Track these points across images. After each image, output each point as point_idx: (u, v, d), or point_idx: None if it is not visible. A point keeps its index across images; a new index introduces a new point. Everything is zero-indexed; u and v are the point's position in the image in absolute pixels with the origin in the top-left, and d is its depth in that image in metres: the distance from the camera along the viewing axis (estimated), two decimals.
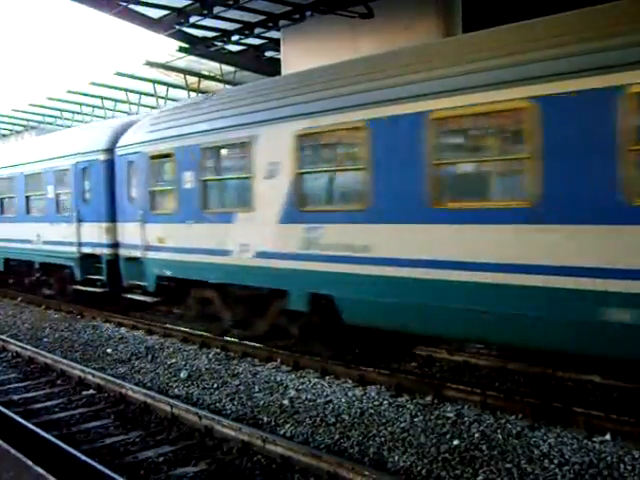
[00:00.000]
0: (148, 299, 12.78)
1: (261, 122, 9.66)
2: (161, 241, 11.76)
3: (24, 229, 16.75)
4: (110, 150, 13.55)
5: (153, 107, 25.25)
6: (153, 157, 11.94)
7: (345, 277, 8.47)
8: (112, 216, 13.44)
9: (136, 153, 12.43)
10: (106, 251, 13.60)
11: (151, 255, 12.06)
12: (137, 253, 12.44)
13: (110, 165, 13.51)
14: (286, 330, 10.17)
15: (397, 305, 7.96)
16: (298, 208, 9.12)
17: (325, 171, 9.09)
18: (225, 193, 10.95)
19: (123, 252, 13.08)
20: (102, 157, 13.76)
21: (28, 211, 16.85)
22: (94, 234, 13.91)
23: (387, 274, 7.99)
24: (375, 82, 8.23)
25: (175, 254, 11.45)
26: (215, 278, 10.69)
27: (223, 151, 10.81)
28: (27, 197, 16.81)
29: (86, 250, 14.24)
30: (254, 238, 9.80)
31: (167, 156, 11.59)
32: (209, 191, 10.79)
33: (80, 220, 14.35)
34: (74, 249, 14.54)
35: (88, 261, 14.21)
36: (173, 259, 11.52)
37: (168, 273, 11.71)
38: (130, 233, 12.67)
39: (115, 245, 13.40)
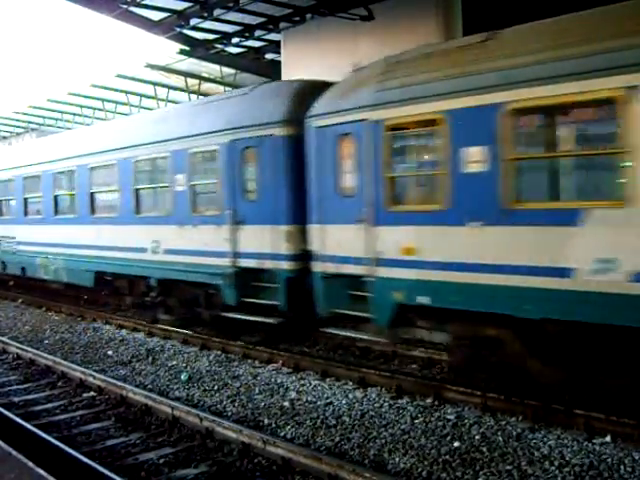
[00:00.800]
0: (374, 338, 9.16)
1: None
2: (409, 252, 8.02)
3: (131, 233, 12.73)
4: (295, 121, 9.71)
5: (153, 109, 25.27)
6: (394, 127, 8.17)
7: None
8: (297, 215, 9.68)
9: (355, 122, 8.58)
10: (286, 265, 9.74)
11: (387, 272, 8.26)
12: (355, 269, 8.68)
13: (295, 142, 9.69)
14: None
15: None
16: None
17: None
18: (560, 179, 7.25)
19: (323, 267, 9.18)
20: (281, 131, 9.81)
21: (138, 210, 12.60)
22: (264, 241, 10.01)
23: None
24: None
25: (443, 272, 7.65)
26: (534, 311, 6.90)
27: (559, 113, 7.07)
28: (137, 190, 12.63)
29: (246, 263, 10.33)
30: (630, 249, 6.24)
31: (427, 124, 7.89)
32: (524, 177, 7.11)
33: (238, 222, 10.36)
34: (225, 261, 10.57)
35: (247, 278, 10.46)
36: (438, 280, 7.72)
37: (423, 300, 7.88)
38: (339, 239, 8.92)
39: (302, 256, 9.63)
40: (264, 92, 10.80)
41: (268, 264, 10.02)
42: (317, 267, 9.31)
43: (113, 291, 14.21)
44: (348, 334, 9.67)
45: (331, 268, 9.09)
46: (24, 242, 16.85)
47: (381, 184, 8.30)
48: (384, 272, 8.31)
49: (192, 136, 11.31)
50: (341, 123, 8.83)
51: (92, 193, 13.99)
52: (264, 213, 10.05)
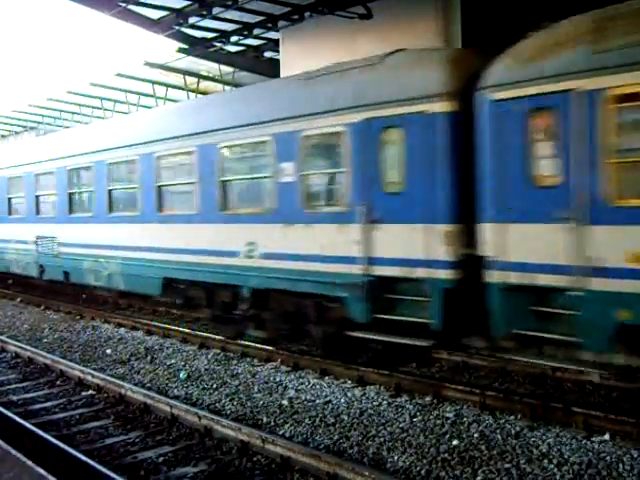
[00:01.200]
0: (581, 368, 7.73)
1: None
2: None
3: (216, 234, 10.68)
4: (456, 94, 7.85)
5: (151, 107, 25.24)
6: (622, 98, 6.41)
7: None
8: (460, 211, 7.85)
9: (557, 93, 6.83)
10: (444, 273, 7.83)
11: (607, 285, 6.53)
12: (555, 279, 6.92)
13: (456, 120, 7.83)
14: None
15: None
16: None
17: None
18: None
19: (502, 276, 7.33)
20: (437, 107, 7.87)
21: (225, 206, 10.48)
22: (413, 243, 8.08)
23: None
24: None
25: None
26: None
27: None
28: (223, 183, 10.48)
29: (385, 271, 8.38)
30: None
31: None
32: None
33: (374, 220, 8.42)
34: (353, 268, 8.63)
35: (381, 289, 8.50)
36: None
37: None
38: (530, 242, 7.10)
39: (462, 263, 7.84)
40: (404, 61, 8.73)
41: (419, 272, 8.04)
42: (493, 277, 7.41)
43: (185, 301, 12.10)
44: (546, 363, 7.78)
45: (514, 278, 7.22)
46: (68, 243, 14.77)
47: (601, 172, 6.50)
48: (602, 284, 6.55)
49: (305, 116, 9.23)
50: (534, 95, 6.99)
51: (159, 187, 11.85)
52: (413, 209, 8.07)
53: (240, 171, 10.55)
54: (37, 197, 16.20)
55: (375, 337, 8.67)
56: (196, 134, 11.01)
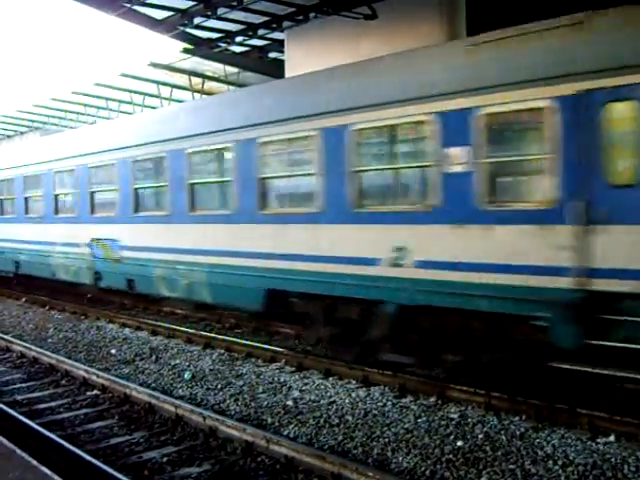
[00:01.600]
0: None
1: None
2: None
3: (346, 237, 8.77)
4: None
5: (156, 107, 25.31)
6: None
7: None
8: None
9: None
10: None
11: None
12: None
13: None
14: None
15: None
16: None
17: None
18: None
19: None
20: None
21: (360, 202, 8.63)
22: None
23: None
24: None
25: None
26: None
27: None
28: (356, 173, 8.57)
29: (611, 285, 6.57)
30: None
31: None
32: None
33: (594, 220, 6.59)
34: (561, 282, 6.82)
35: (597, 308, 6.69)
36: None
37: None
38: None
39: None
40: (631, 18, 6.82)
41: None
42: None
43: (294, 317, 10.40)
44: None
45: None
46: (134, 247, 12.74)
47: None
48: None
49: (482, 89, 7.36)
50: None
51: (262, 179, 9.90)
52: None
53: (382, 159, 8.62)
54: (92, 194, 14.07)
55: (600, 371, 6.80)
56: (320, 114, 9.06)
